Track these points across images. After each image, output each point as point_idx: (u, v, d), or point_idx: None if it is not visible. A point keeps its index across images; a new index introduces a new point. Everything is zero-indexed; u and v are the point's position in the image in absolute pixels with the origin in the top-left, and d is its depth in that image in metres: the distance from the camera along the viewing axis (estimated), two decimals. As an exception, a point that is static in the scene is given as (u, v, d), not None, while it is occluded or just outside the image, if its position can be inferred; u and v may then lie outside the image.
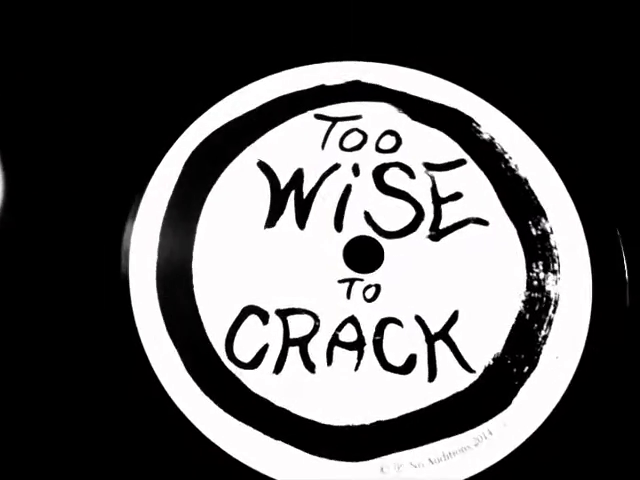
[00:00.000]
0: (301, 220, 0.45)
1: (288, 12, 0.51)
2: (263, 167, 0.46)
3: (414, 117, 0.47)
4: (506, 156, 0.47)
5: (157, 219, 0.44)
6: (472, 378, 0.43)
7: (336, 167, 0.46)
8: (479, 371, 0.43)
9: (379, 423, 0.42)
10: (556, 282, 0.44)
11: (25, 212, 0.46)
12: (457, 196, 0.46)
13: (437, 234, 0.45)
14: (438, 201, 0.46)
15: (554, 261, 0.45)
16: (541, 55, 0.49)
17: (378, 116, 0.47)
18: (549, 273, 0.44)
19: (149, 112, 0.48)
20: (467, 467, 0.41)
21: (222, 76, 0.48)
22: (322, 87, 0.48)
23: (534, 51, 0.50)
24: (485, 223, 0.45)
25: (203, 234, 0.44)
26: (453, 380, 0.42)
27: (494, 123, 0.47)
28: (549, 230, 0.45)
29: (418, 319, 0.43)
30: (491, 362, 0.43)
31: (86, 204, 0.46)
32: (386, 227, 0.45)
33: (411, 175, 0.46)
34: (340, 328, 0.43)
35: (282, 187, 0.46)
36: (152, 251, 0.44)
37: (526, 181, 0.46)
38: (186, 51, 0.50)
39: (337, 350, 0.43)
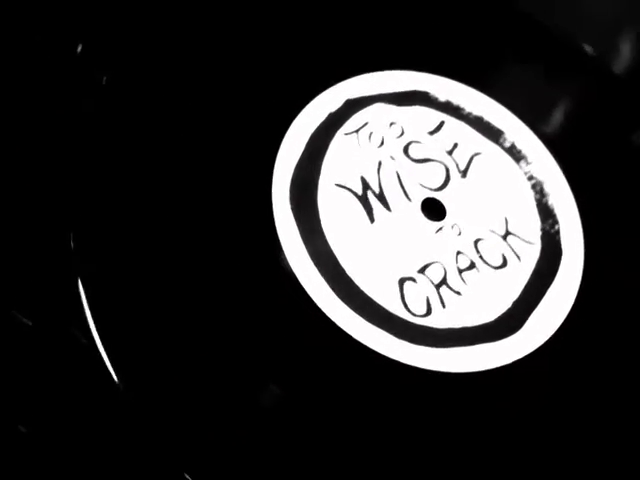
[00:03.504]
0: (387, 206, 0.61)
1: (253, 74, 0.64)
2: (341, 186, 0.60)
3: (398, 104, 0.65)
4: (461, 106, 0.66)
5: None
6: (537, 248, 0.63)
7: (380, 164, 0.62)
8: (537, 242, 0.63)
9: (519, 302, 0.60)
10: (535, 168, 0.66)
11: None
12: (455, 145, 0.65)
13: (463, 173, 0.64)
14: (449, 153, 0.64)
15: (526, 157, 0.66)
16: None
17: (377, 115, 0.64)
18: (529, 165, 0.66)
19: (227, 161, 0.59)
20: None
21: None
22: (330, 114, 0.63)
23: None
24: (480, 153, 0.65)
25: (333, 240, 0.58)
26: (529, 255, 0.62)
27: (443, 89, 0.66)
28: (513, 140, 0.66)
29: (491, 230, 0.62)
30: (540, 232, 0.64)
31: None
32: (435, 185, 0.63)
33: (423, 144, 0.64)
34: (457, 261, 0.60)
35: (361, 193, 0.61)
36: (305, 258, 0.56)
37: (482, 118, 0.67)
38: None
39: (465, 274, 0.60)
